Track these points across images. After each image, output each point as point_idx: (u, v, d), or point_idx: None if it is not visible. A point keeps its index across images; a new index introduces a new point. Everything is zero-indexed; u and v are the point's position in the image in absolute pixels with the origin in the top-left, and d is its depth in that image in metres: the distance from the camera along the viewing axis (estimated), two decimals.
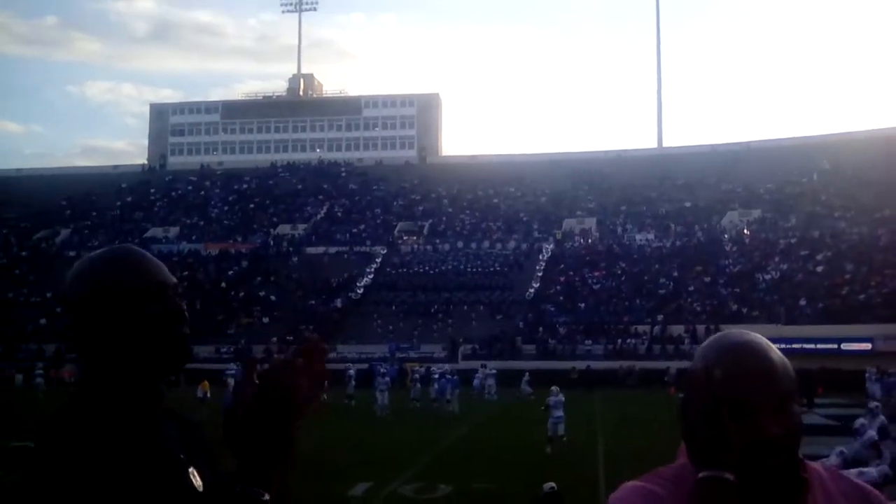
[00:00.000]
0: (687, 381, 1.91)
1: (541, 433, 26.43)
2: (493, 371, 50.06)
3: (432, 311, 71.43)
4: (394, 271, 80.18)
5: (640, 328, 64.67)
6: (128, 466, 1.87)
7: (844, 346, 55.06)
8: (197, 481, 2.02)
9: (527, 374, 50.49)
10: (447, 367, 49.76)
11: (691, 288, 70.18)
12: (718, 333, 2.03)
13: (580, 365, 57.79)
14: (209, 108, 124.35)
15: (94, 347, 2.10)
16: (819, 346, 55.72)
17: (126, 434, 1.93)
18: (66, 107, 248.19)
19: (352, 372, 46.93)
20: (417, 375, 45.65)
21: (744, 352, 1.92)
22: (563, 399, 27.27)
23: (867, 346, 54.32)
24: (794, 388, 1.92)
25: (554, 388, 28.18)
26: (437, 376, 43.22)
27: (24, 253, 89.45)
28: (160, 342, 2.06)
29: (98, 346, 2.09)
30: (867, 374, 46.29)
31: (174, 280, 2.15)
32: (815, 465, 2.03)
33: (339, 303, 74.29)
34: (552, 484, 12.59)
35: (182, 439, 2.11)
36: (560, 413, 26.59)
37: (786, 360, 1.94)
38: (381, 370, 43.81)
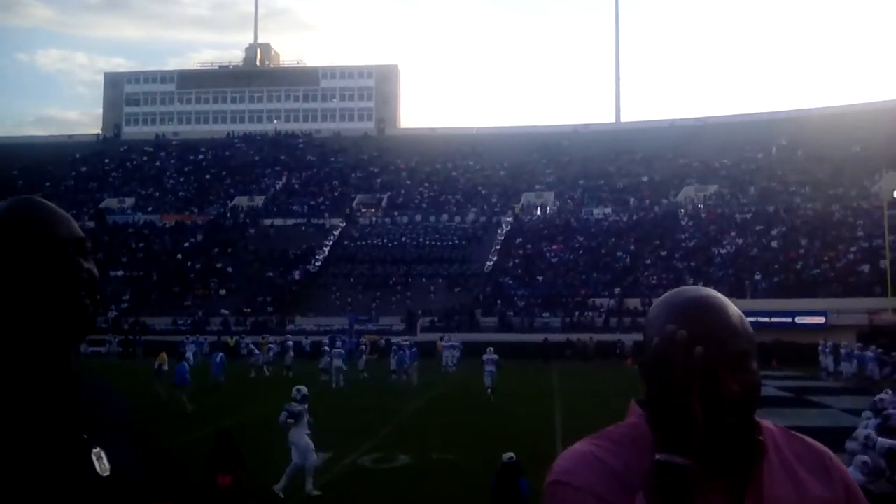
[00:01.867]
0: (649, 348, 1.78)
1: (499, 406, 26.56)
2: (457, 343, 50.51)
3: (391, 283, 71.35)
4: (352, 244, 79.93)
5: (598, 301, 65.06)
6: None
7: (798, 320, 55.73)
8: (103, 465, 1.81)
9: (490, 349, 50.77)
10: (407, 339, 49.78)
11: (648, 262, 70.65)
12: (672, 291, 1.94)
13: (538, 338, 58.13)
14: (164, 77, 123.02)
15: None
16: (774, 319, 56.33)
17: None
18: (17, 75, 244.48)
19: (290, 343, 47.46)
20: (364, 348, 46.21)
21: (702, 308, 1.84)
22: (497, 357, 34.35)
23: (821, 319, 55.04)
24: (754, 346, 1.82)
25: (489, 348, 35.74)
26: (395, 348, 43.44)
27: None
28: (47, 306, 1.79)
29: None
30: (820, 347, 46.95)
31: (78, 235, 1.89)
32: (768, 423, 1.95)
33: (296, 275, 73.97)
34: (511, 454, 12.57)
35: (95, 415, 1.88)
36: (491, 368, 33.39)
37: (743, 316, 1.86)
38: (337, 342, 44.53)
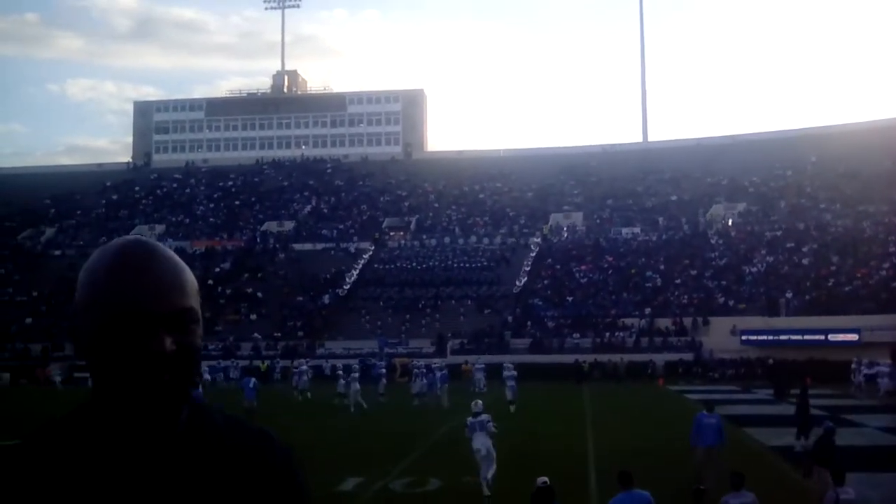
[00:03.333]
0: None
1: (528, 428, 26.43)
2: (482, 365, 50.49)
3: (420, 306, 71.37)
4: (381, 267, 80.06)
5: (628, 321, 64.78)
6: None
7: (832, 338, 55.23)
8: None
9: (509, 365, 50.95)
10: (438, 361, 49.84)
11: (678, 281, 70.29)
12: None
13: (568, 359, 57.98)
14: (193, 105, 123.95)
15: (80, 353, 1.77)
16: (806, 337, 55.96)
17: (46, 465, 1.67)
18: (48, 105, 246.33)
19: (304, 368, 48.06)
20: (384, 371, 46.99)
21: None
22: (515, 373, 39.87)
23: (854, 336, 54.48)
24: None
25: (508, 364, 42.69)
26: (425, 371, 43.53)
27: (7, 252, 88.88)
28: (126, 381, 1.68)
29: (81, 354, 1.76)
30: (854, 365, 46.47)
31: (174, 308, 1.71)
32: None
33: (326, 299, 74.15)
34: (545, 478, 12.55)
35: (204, 481, 1.74)
36: (511, 383, 37.95)
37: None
38: (373, 365, 45.06)
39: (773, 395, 41.35)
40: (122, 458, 1.69)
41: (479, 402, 20.46)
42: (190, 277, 1.77)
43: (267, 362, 59.11)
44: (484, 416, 19.06)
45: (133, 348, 1.67)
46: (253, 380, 37.32)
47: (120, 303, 1.67)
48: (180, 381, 1.71)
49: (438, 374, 41.46)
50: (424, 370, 43.57)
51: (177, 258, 1.78)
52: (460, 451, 24.09)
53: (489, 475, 18.03)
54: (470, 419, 19.11)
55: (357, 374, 40.80)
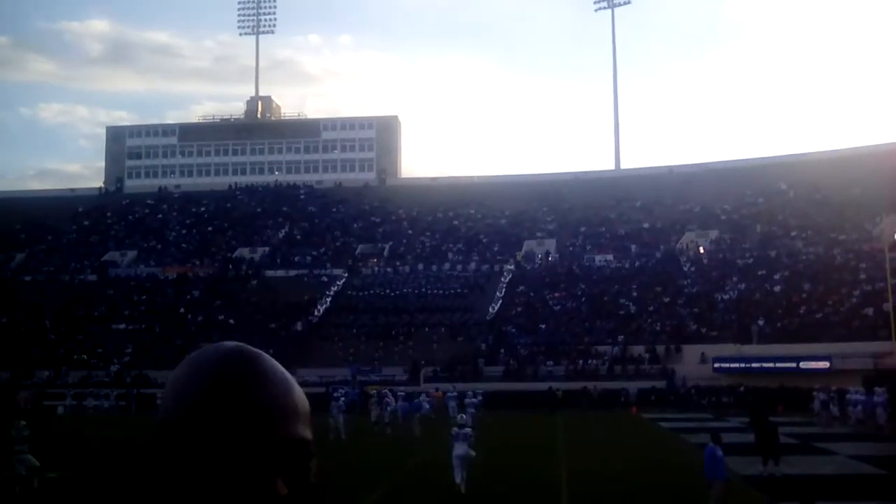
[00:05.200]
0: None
1: (504, 457, 26.33)
2: (454, 393, 50.44)
3: (393, 333, 71.17)
4: (354, 294, 79.85)
5: (601, 348, 64.86)
6: None
7: (803, 365, 55.42)
8: None
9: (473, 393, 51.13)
10: (411, 389, 49.78)
11: (651, 308, 70.51)
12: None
13: (542, 386, 57.94)
14: (166, 130, 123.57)
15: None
16: (778, 364, 56.16)
17: None
18: (19, 129, 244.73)
19: None
20: (384, 398, 45.89)
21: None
22: (478, 400, 45.64)
23: (825, 364, 54.68)
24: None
25: (472, 391, 47.54)
26: (385, 399, 44.13)
27: None
28: None
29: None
30: (815, 393, 46.60)
31: (271, 438, 1.37)
32: None
33: (299, 326, 73.82)
34: None
35: None
36: (472, 410, 39.62)
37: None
38: (336, 394, 44.69)
39: (749, 424, 41.40)
40: None
41: (464, 416, 25.93)
42: (303, 398, 1.45)
43: None
44: (467, 430, 23.02)
45: (237, 493, 1.34)
46: None
47: (221, 432, 1.34)
48: None
49: (406, 403, 41.49)
50: (377, 399, 44.30)
51: (287, 374, 1.45)
52: (431, 482, 23.96)
53: (464, 476, 21.63)
54: (455, 430, 22.85)
55: (343, 405, 40.55)
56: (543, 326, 70.11)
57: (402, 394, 45.81)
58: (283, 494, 1.36)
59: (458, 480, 21.50)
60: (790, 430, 37.06)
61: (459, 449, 21.91)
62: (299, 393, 1.44)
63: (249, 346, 1.45)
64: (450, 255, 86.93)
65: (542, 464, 27.44)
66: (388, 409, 43.11)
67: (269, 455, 1.36)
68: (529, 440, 35.65)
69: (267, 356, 1.43)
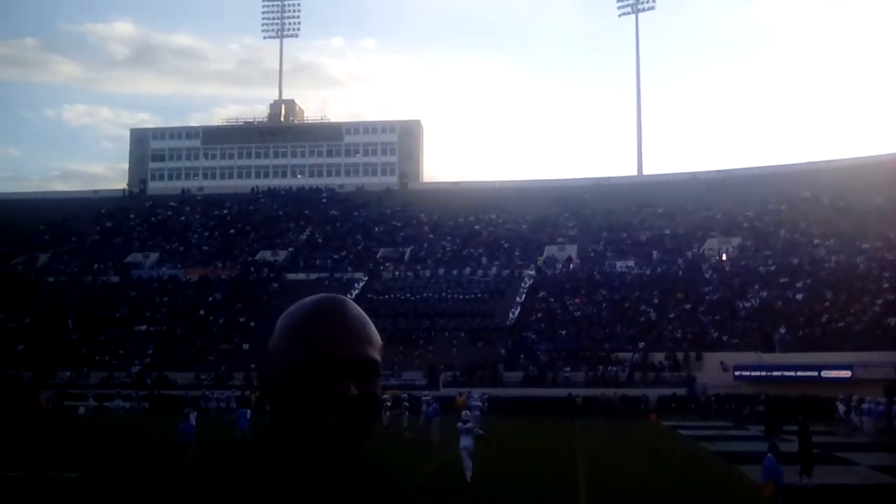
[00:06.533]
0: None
1: (520, 460, 26.32)
2: (479, 403, 50.30)
3: (413, 337, 71.19)
4: (375, 298, 79.89)
5: (622, 355, 64.67)
6: None
7: (825, 374, 55.05)
8: None
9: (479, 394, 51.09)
10: (428, 394, 49.61)
11: (672, 315, 70.24)
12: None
13: (561, 392, 57.82)
14: (190, 133, 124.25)
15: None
16: (799, 373, 55.82)
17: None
18: (44, 130, 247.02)
19: None
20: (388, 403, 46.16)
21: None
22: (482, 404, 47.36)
23: (847, 373, 54.30)
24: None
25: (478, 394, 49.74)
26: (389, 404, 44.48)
27: (0, 278, 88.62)
28: (303, 424, 1.84)
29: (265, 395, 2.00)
30: (837, 403, 46.38)
31: (360, 357, 1.89)
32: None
33: None
34: None
35: None
36: (477, 413, 39.80)
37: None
38: None
39: (764, 433, 41.23)
40: (300, 495, 1.86)
41: (467, 412, 29.25)
42: (376, 333, 1.96)
43: (257, 393, 58.83)
44: (470, 424, 25.75)
45: (320, 389, 1.83)
46: (248, 411, 37.41)
47: (314, 346, 1.86)
48: (359, 426, 1.86)
49: (429, 407, 41.26)
50: (390, 403, 44.49)
51: (365, 315, 1.97)
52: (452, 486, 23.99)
53: (470, 465, 24.57)
54: (460, 424, 25.66)
55: None
56: (564, 332, 69.98)
57: (428, 398, 45.66)
58: (353, 395, 1.84)
59: (468, 468, 24.56)
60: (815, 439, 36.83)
61: (465, 441, 24.89)
62: (373, 328, 1.95)
63: (340, 295, 2.02)
64: (470, 260, 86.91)
65: (558, 473, 27.39)
66: (406, 413, 43.22)
67: (347, 365, 1.85)
68: (545, 448, 35.54)
69: (351, 301, 1.96)
